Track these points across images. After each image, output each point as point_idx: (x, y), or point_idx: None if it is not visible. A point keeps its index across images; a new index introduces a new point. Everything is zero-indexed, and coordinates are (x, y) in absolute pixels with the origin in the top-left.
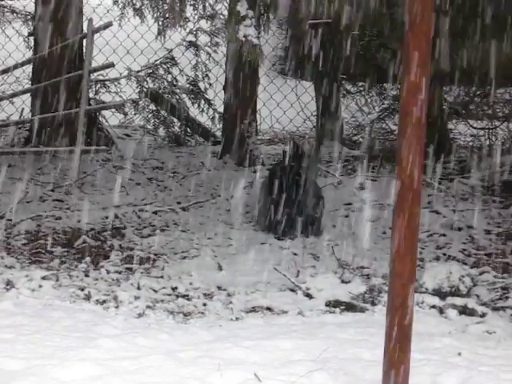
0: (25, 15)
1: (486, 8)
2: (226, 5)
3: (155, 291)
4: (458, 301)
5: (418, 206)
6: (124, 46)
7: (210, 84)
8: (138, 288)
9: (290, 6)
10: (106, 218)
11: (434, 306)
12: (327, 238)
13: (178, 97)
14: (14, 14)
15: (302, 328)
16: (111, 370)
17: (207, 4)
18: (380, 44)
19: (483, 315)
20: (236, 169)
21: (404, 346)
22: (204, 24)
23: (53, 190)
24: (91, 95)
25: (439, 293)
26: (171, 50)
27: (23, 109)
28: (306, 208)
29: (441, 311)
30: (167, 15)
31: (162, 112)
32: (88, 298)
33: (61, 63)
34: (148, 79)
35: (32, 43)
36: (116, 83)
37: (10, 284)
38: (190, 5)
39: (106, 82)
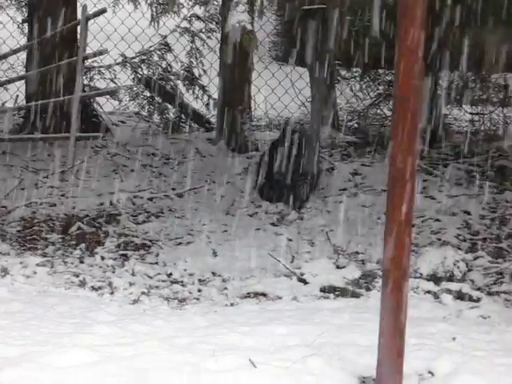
0: (19, 1)
1: None
2: None
3: (150, 277)
4: (453, 286)
5: (412, 193)
6: (118, 32)
7: (205, 70)
8: (133, 274)
9: None
10: (101, 204)
11: (428, 291)
12: (322, 223)
13: (172, 83)
14: (8, 1)
15: (297, 313)
16: (106, 356)
17: None
18: (375, 29)
19: (478, 300)
20: (231, 155)
21: (399, 332)
22: (198, 10)
23: (47, 177)
24: (85, 82)
25: (434, 278)
26: (165, 37)
27: (17, 95)
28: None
29: (435, 296)
30: (161, 1)
31: (157, 98)
32: (83, 284)
33: (55, 50)
34: (142, 66)
35: (26, 30)
36: (110, 70)
37: (4, 271)
38: None
39: (101, 69)
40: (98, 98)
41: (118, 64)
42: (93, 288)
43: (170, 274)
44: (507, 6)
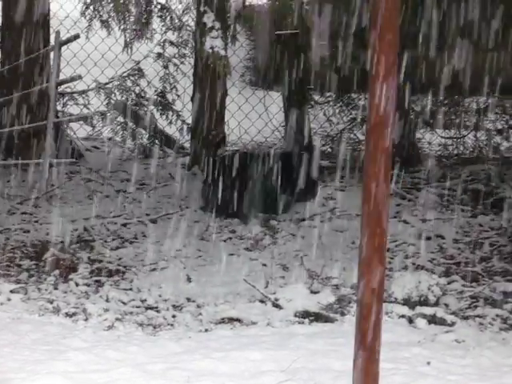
0: None
1: (452, 16)
2: (193, 16)
3: (124, 303)
4: (427, 310)
5: (385, 218)
6: (91, 58)
7: (178, 95)
8: (107, 300)
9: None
10: (75, 230)
11: (403, 316)
12: (296, 248)
13: (146, 108)
14: None
15: (272, 339)
16: (80, 383)
17: (174, 16)
18: (347, 54)
19: (452, 324)
20: (205, 180)
21: (373, 357)
22: (171, 35)
23: (21, 203)
24: (59, 108)
25: (408, 302)
26: (139, 62)
27: None
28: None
29: (410, 321)
30: (134, 27)
31: (130, 124)
32: (57, 311)
33: (28, 76)
34: (116, 91)
35: None
36: (84, 95)
37: None
38: (157, 16)
39: (74, 95)
40: (71, 124)
41: (91, 90)
42: (67, 314)
43: (145, 300)
44: (478, 31)
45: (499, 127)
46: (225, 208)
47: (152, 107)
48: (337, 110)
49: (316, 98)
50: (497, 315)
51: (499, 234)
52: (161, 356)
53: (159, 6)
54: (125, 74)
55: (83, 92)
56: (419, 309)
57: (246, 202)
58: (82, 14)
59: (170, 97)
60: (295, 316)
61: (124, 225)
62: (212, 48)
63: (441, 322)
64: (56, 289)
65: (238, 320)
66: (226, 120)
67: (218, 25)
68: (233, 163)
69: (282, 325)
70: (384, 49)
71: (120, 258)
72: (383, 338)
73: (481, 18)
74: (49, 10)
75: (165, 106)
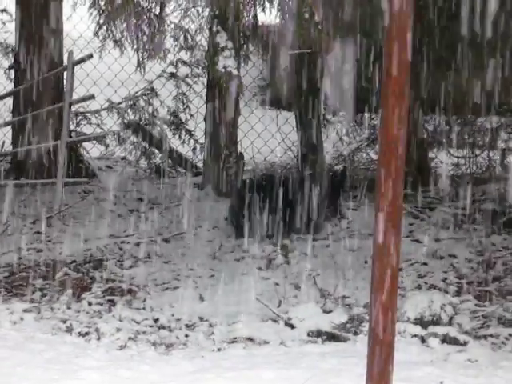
0: (5, 47)
1: (465, 37)
2: (206, 36)
3: (137, 323)
4: (440, 329)
5: (398, 235)
6: (104, 77)
7: (191, 115)
8: (120, 320)
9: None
10: (88, 249)
11: (415, 335)
12: (309, 267)
13: (159, 128)
14: None
15: (284, 358)
16: None
17: (187, 35)
18: (359, 74)
19: (465, 344)
20: (217, 199)
21: (386, 376)
22: (184, 55)
23: (34, 223)
24: (72, 127)
25: (421, 322)
26: (152, 82)
27: (4, 141)
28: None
29: (422, 340)
30: (147, 47)
31: (143, 143)
32: (70, 330)
33: (42, 96)
34: (129, 111)
35: (13, 76)
36: (97, 115)
37: None
38: (170, 36)
39: (87, 114)
40: (84, 144)
41: (104, 109)
42: (80, 334)
43: (157, 320)
44: (488, 51)
45: None
46: (256, 230)
47: (165, 127)
48: (350, 130)
49: (329, 117)
50: (510, 335)
51: None
52: (173, 375)
53: (172, 26)
54: (138, 94)
55: (96, 111)
56: (432, 328)
57: (279, 224)
58: (95, 33)
59: (182, 116)
60: (308, 335)
61: (137, 244)
62: (225, 67)
63: (453, 341)
64: (69, 308)
65: (251, 339)
66: (238, 139)
67: (230, 44)
68: (261, 186)
69: (295, 344)
70: (396, 68)
71: (133, 278)
72: (396, 357)
73: (493, 37)
74: (62, 30)
75: (178, 125)
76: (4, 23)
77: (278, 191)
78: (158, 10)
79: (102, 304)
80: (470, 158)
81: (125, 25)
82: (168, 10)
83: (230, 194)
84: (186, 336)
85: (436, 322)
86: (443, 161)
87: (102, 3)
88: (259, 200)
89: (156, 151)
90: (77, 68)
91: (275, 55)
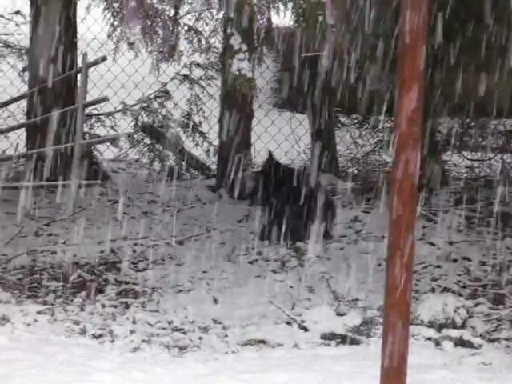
0: (19, 50)
1: (480, 39)
2: (220, 38)
3: (151, 325)
4: (454, 332)
5: (412, 239)
6: (118, 79)
7: (205, 117)
8: (134, 322)
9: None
10: (102, 252)
11: (429, 338)
12: (322, 270)
13: (172, 130)
14: (9, 49)
15: (298, 361)
16: None
17: (201, 37)
18: (374, 76)
19: (479, 347)
20: (231, 202)
21: (400, 379)
22: (198, 57)
23: (48, 225)
24: (86, 129)
25: (434, 325)
26: (165, 84)
27: (18, 143)
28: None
29: (436, 343)
30: (161, 49)
31: (157, 146)
32: (83, 332)
33: (55, 98)
34: (143, 113)
35: (27, 78)
36: (111, 117)
37: (5, 319)
38: (184, 38)
39: (101, 116)
40: (98, 146)
41: (118, 111)
42: (93, 336)
43: (171, 322)
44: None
45: None
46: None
47: (178, 129)
48: (363, 132)
49: (342, 120)
50: None
51: None
52: (187, 378)
53: (186, 28)
54: (151, 96)
55: (110, 114)
56: (446, 331)
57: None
58: (109, 36)
59: (196, 119)
60: (321, 338)
61: (150, 246)
62: (239, 70)
63: (467, 344)
64: (82, 310)
65: (264, 342)
66: (252, 142)
67: (244, 47)
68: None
69: (308, 347)
70: (411, 72)
71: (146, 280)
72: (409, 360)
73: (507, 40)
74: (76, 33)
75: (191, 127)
76: (18, 25)
77: (292, 194)
78: (172, 13)
79: (115, 306)
80: (484, 160)
81: (139, 27)
82: (182, 12)
83: (243, 197)
84: (200, 338)
85: (450, 324)
86: (456, 163)
87: (116, 5)
88: (275, 203)
89: (169, 153)
90: (91, 70)
91: (289, 58)
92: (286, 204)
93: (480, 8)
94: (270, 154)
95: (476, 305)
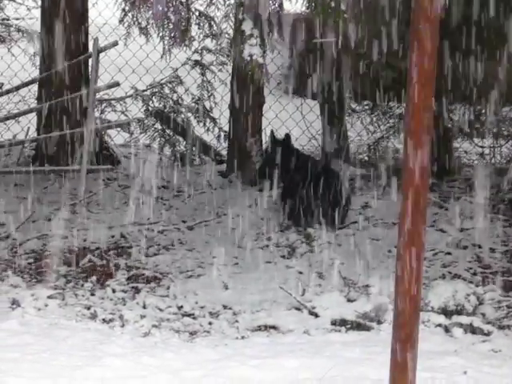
0: (30, 34)
1: (491, 26)
2: (232, 24)
3: (161, 310)
4: (464, 319)
5: (422, 225)
6: (129, 65)
7: (216, 103)
8: (144, 307)
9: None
10: (112, 237)
11: (439, 325)
12: (333, 256)
13: (183, 116)
14: (20, 33)
15: (308, 347)
16: None
17: (213, 23)
18: (386, 63)
19: (489, 334)
20: (241, 187)
21: (410, 365)
22: (209, 43)
23: (59, 209)
24: (97, 114)
25: (445, 311)
26: (177, 69)
27: (29, 128)
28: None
29: (446, 330)
30: (173, 34)
31: (168, 131)
32: (94, 316)
33: (67, 82)
34: (153, 98)
35: (38, 62)
36: (121, 102)
37: (15, 303)
38: (196, 24)
39: (112, 101)
40: (109, 131)
41: (129, 97)
42: (104, 320)
43: (181, 307)
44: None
45: None
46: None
47: (189, 114)
48: (374, 119)
49: (353, 106)
50: None
51: None
52: (197, 363)
53: (198, 13)
54: (162, 81)
55: (121, 99)
56: (456, 318)
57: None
58: (121, 21)
59: (207, 104)
60: (332, 324)
61: (161, 231)
62: (250, 56)
63: (477, 331)
64: (93, 295)
65: (275, 327)
66: (263, 128)
67: (256, 32)
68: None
69: (319, 333)
70: (423, 59)
71: (157, 265)
72: (420, 346)
73: None
74: (87, 17)
75: (202, 113)
76: (29, 9)
77: (303, 180)
78: None
79: (125, 291)
80: (495, 147)
81: (150, 12)
82: None
83: (254, 182)
84: (210, 324)
85: (460, 311)
86: (467, 150)
87: None
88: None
89: (180, 139)
90: (102, 55)
91: (300, 44)
92: (297, 187)
93: None
94: (272, 134)
95: (486, 292)
